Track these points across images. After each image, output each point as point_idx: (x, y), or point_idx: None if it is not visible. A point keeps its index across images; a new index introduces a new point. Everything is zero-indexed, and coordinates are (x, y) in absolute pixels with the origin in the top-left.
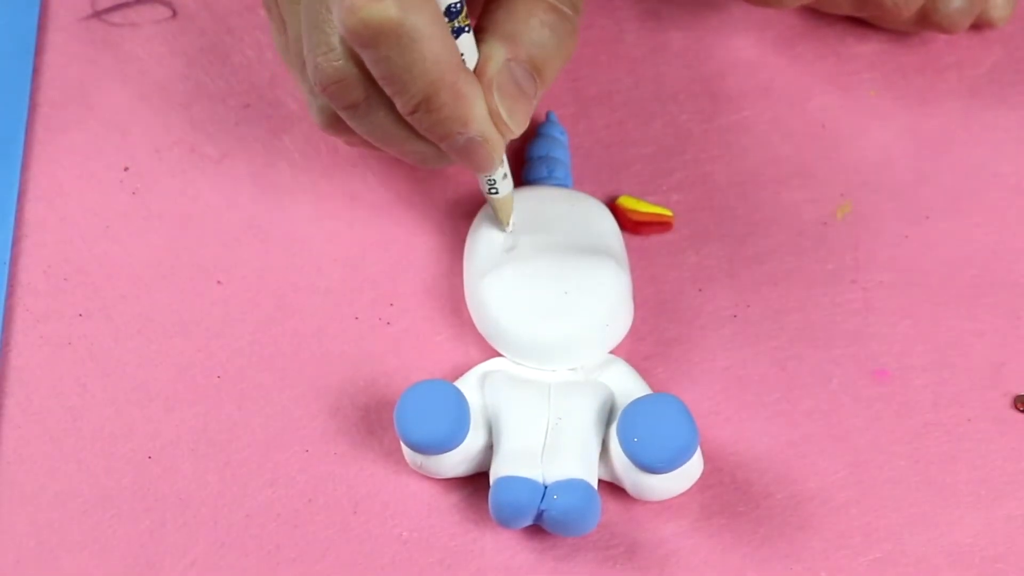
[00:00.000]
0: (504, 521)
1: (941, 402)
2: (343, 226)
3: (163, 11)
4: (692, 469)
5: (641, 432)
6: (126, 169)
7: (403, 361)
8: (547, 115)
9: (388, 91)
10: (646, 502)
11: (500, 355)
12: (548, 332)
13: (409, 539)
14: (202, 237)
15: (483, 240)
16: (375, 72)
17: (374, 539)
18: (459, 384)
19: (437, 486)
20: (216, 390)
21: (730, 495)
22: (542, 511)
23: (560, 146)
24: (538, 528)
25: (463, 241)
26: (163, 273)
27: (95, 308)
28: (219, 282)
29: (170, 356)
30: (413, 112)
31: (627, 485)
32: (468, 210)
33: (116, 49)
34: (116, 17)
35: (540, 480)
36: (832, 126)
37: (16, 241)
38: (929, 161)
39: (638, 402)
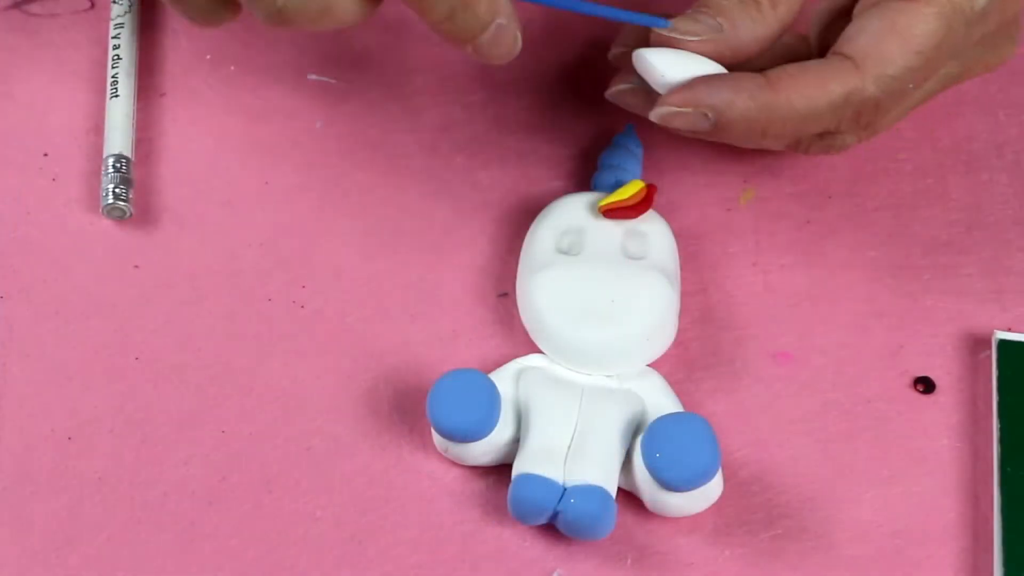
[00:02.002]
0: (521, 517)
1: (841, 382)
2: (255, 210)
3: (82, 1)
4: (711, 491)
5: (664, 448)
6: (45, 155)
7: (315, 343)
8: (626, 127)
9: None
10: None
11: (540, 351)
12: (589, 337)
13: (321, 517)
14: (120, 221)
15: (540, 238)
16: None
17: (286, 516)
18: (494, 376)
19: (351, 465)
20: (133, 371)
21: None
22: (558, 512)
23: (633, 158)
24: (450, 502)
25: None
26: (80, 255)
27: (14, 290)
28: (136, 266)
29: (88, 337)
30: (448, 18)
31: (646, 499)
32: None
33: (35, 38)
34: (36, 8)
35: (560, 481)
36: None
37: None
38: None
39: (665, 418)
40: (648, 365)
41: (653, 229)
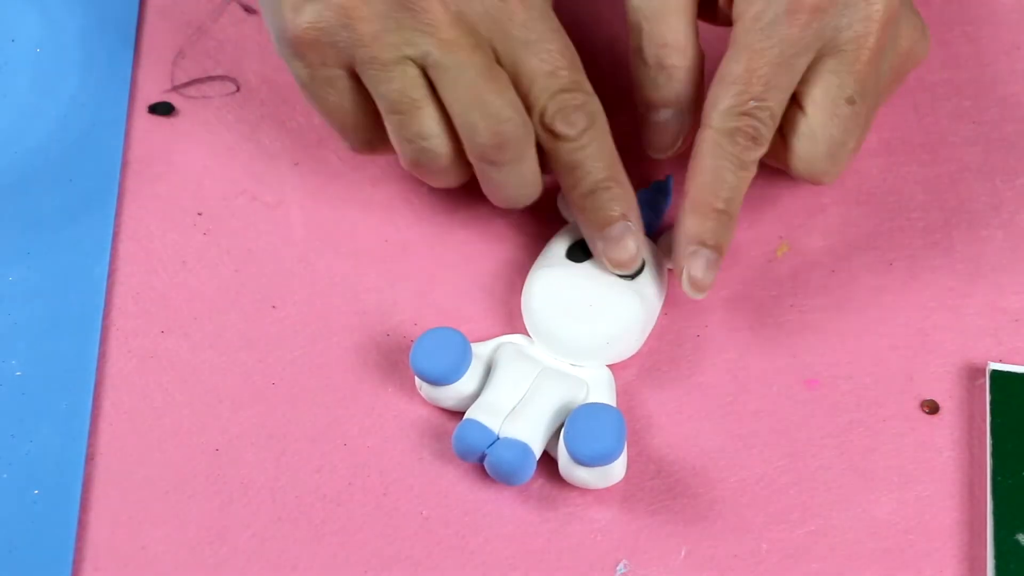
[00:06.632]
0: (459, 452)
1: (862, 404)
2: (376, 261)
3: (230, 86)
4: (613, 473)
5: (581, 429)
6: (199, 214)
7: None
8: (667, 177)
9: (568, 180)
10: (592, 489)
11: (525, 333)
12: (562, 327)
13: (430, 516)
14: (261, 269)
15: (558, 243)
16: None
17: (401, 516)
18: (480, 343)
19: (454, 472)
20: (273, 394)
21: (691, 479)
22: (485, 455)
23: (662, 202)
24: (538, 503)
25: (481, 266)
26: (229, 298)
27: (174, 327)
28: (274, 306)
29: (235, 366)
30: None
31: (560, 466)
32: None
33: (192, 116)
34: (191, 91)
35: (496, 431)
36: (771, 180)
37: (111, 273)
38: (852, 208)
39: (591, 404)
40: (609, 366)
41: (651, 264)
